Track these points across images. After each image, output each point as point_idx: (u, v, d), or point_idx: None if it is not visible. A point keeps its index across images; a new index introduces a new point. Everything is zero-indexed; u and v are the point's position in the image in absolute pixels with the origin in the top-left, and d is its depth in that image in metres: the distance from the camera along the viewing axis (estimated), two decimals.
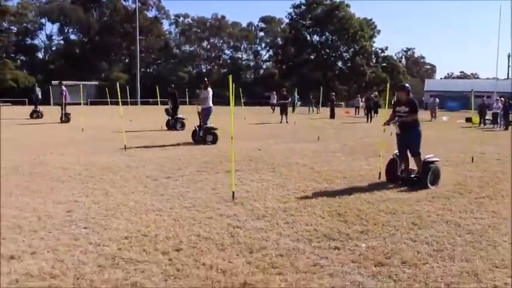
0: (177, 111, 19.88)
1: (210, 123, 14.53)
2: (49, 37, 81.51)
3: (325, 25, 77.38)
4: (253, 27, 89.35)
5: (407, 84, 8.97)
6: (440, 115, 35.09)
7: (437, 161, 8.35)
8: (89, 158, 10.88)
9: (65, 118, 23.52)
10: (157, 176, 8.61)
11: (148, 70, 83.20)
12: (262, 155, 11.70)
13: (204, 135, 14.10)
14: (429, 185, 7.94)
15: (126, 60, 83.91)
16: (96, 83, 64.62)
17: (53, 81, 62.30)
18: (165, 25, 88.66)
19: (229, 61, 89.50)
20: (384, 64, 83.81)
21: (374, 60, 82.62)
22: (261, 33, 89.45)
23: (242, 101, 69.02)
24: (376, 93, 35.15)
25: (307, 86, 56.55)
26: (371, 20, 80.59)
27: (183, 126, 19.41)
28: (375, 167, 9.85)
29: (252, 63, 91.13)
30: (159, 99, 28.22)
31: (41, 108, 26.71)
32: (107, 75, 72.05)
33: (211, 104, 14.89)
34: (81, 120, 19.52)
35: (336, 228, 5.44)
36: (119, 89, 14.18)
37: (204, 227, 5.41)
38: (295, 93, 36.43)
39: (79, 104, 38.86)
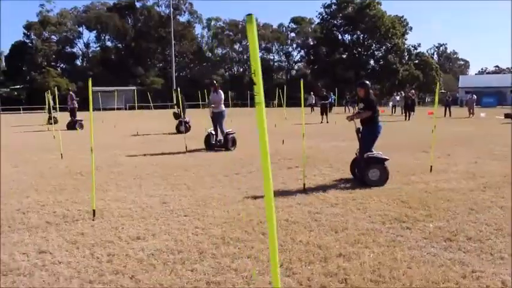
0: (185, 114, 20.66)
1: (226, 128, 14.04)
2: (86, 45, 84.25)
3: (356, 24, 77.78)
4: (284, 28, 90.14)
5: (366, 81, 8.76)
6: (477, 112, 35.17)
7: (385, 159, 8.11)
8: (156, 159, 11.91)
9: (78, 125, 23.06)
10: (227, 173, 9.52)
11: (181, 74, 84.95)
12: (314, 153, 12.48)
13: (226, 143, 13.61)
14: (371, 182, 7.91)
15: (160, 65, 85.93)
16: (134, 88, 66.50)
17: (93, 88, 64.70)
18: (198, 29, 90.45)
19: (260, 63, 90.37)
20: (416, 61, 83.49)
21: (406, 58, 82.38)
22: (292, 34, 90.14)
23: (275, 102, 69.85)
24: (413, 91, 35.44)
25: (340, 86, 57.08)
26: (402, 17, 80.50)
27: (186, 129, 20.03)
28: (423, 162, 10.58)
29: (284, 64, 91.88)
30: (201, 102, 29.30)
31: (55, 114, 28.26)
32: (143, 80, 74.05)
33: (223, 107, 14.04)
34: (134, 124, 20.68)
35: (403, 212, 6.20)
36: (180, 95, 15.15)
37: (288, 213, 6.25)
38: (331, 93, 37.01)
39: (120, 108, 39.93)
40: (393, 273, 4.16)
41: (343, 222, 5.77)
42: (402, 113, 33.22)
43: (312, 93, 40.59)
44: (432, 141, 10.24)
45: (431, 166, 9.52)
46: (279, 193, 7.52)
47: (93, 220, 6.07)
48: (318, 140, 16.04)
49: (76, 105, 24.13)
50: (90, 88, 6.12)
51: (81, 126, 23.26)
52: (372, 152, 8.20)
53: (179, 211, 6.49)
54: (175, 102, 21.62)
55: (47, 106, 29.06)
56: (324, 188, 7.85)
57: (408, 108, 30.48)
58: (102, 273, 4.29)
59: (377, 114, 8.49)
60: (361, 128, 8.50)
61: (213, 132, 13.93)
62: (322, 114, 26.86)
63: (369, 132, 8.35)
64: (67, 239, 5.33)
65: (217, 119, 13.81)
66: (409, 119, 29.29)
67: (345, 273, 4.17)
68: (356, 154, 8.62)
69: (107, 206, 6.83)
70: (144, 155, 12.69)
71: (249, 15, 2.07)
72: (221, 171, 9.84)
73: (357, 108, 8.90)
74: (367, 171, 8.00)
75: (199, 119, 20.87)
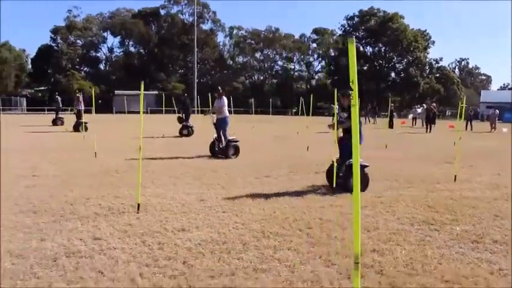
0: (188, 119, 21.53)
1: (230, 135, 13.83)
2: (110, 49, 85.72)
3: (378, 37, 77.97)
4: (305, 39, 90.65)
5: (350, 91, 9.02)
6: (499, 127, 35.09)
7: (365, 166, 8.30)
8: (185, 160, 12.40)
9: (80, 127, 22.52)
10: (257, 176, 9.92)
11: (202, 80, 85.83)
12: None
13: (227, 150, 13.30)
14: (350, 188, 7.94)
15: (181, 71, 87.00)
16: (156, 92, 67.51)
17: (115, 91, 65.82)
18: (220, 37, 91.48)
19: (280, 72, 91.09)
20: (437, 75, 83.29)
21: (428, 71, 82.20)
22: (314, 45, 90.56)
23: (294, 110, 69.92)
24: (434, 104, 35.54)
25: (360, 97, 57.27)
26: (425, 31, 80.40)
27: (189, 133, 21.15)
28: (446, 171, 10.87)
29: (304, 74, 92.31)
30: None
31: (62, 116, 29.10)
32: (164, 85, 75.05)
33: (227, 114, 13.83)
34: (158, 127, 21.23)
35: (431, 216, 6.53)
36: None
37: (321, 213, 6.62)
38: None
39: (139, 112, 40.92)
40: (425, 267, 4.50)
41: (374, 223, 6.12)
42: (423, 125, 33.40)
43: (336, 102, 40.79)
44: (456, 152, 10.56)
45: (455, 176, 9.80)
46: (310, 195, 7.90)
47: (137, 213, 6.50)
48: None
49: (82, 107, 24.20)
50: (142, 92, 6.53)
51: (86, 129, 22.65)
52: (351, 160, 8.27)
53: (217, 207, 6.90)
54: (180, 107, 22.41)
55: (55, 107, 29.47)
56: (352, 192, 8.17)
57: (430, 120, 30.60)
58: (156, 258, 4.70)
59: (360, 123, 8.49)
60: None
61: (218, 139, 13.67)
62: None
63: (351, 142, 8.41)
64: (117, 228, 5.75)
65: (220, 125, 13.61)
66: (430, 131, 29.42)
67: (380, 266, 4.52)
68: (333, 162, 8.71)
69: (148, 201, 7.25)
70: (174, 157, 13.13)
71: (351, 38, 2.50)
72: (251, 173, 10.24)
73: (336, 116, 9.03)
74: (349, 177, 8.09)
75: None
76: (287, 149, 15.99)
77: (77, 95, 25.23)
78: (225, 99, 13.85)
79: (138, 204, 6.63)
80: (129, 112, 41.23)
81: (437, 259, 4.77)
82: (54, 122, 28.47)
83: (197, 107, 60.47)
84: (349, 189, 8.01)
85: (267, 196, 7.77)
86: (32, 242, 5.16)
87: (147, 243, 5.17)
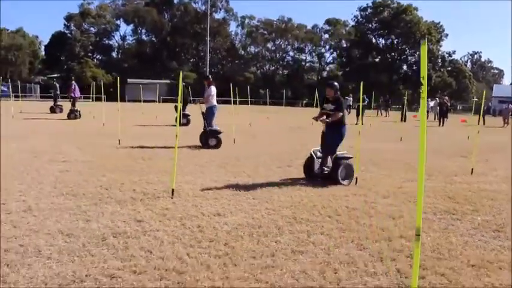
0: (185, 107, 21.62)
1: (215, 125, 13.75)
2: (123, 37, 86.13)
3: (391, 28, 77.72)
4: (318, 30, 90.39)
5: (335, 83, 8.89)
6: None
7: (350, 157, 8.47)
8: (206, 149, 12.74)
9: (73, 115, 23.44)
10: (280, 165, 10.28)
11: (213, 70, 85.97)
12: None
13: (207, 138, 13.28)
14: (340, 180, 8.18)
15: (193, 60, 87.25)
16: (168, 81, 67.81)
17: (128, 79, 66.13)
18: (232, 26, 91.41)
19: (291, 62, 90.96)
20: (449, 68, 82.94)
21: (440, 64, 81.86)
22: (326, 36, 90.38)
23: (304, 102, 69.84)
24: (447, 97, 35.58)
25: (372, 89, 57.37)
26: (439, 23, 79.98)
27: (188, 122, 21.14)
28: (462, 165, 11.16)
29: (316, 65, 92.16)
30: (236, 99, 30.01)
31: (60, 103, 28.58)
32: (176, 74, 75.32)
33: (215, 103, 13.72)
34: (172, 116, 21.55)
35: (451, 207, 6.84)
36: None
37: (346, 201, 6.95)
38: (365, 96, 37.65)
39: (154, 101, 40.89)
40: (451, 252, 4.82)
41: (398, 211, 6.43)
42: (435, 119, 33.51)
43: (350, 95, 41.11)
44: (473, 145, 10.81)
45: (472, 169, 10.07)
46: (332, 184, 8.20)
47: (172, 198, 6.84)
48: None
49: (76, 95, 24.33)
50: (181, 81, 6.84)
51: (75, 117, 23.40)
52: (334, 153, 8.41)
53: (247, 194, 7.23)
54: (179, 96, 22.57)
55: (53, 95, 28.88)
56: (373, 182, 8.51)
57: (443, 114, 30.70)
58: (199, 240, 5.03)
59: (344, 117, 8.65)
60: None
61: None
62: (357, 115, 27.43)
63: (336, 135, 8.47)
64: (155, 212, 6.09)
65: (206, 114, 13.57)
66: (443, 125, 29.57)
67: (409, 250, 4.84)
68: (311, 155, 8.70)
69: (179, 187, 7.58)
70: (193, 145, 13.41)
71: (424, 40, 2.81)
72: (273, 163, 10.59)
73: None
74: (337, 171, 8.24)
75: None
76: (304, 139, 16.24)
77: (72, 82, 25.09)
78: (213, 88, 13.67)
79: (173, 190, 6.97)
80: (144, 101, 41.77)
81: (462, 245, 5.08)
82: (53, 110, 27.62)
83: None
84: (337, 181, 8.22)
85: (292, 184, 8.11)
86: (79, 222, 5.52)
87: (187, 226, 5.51)
